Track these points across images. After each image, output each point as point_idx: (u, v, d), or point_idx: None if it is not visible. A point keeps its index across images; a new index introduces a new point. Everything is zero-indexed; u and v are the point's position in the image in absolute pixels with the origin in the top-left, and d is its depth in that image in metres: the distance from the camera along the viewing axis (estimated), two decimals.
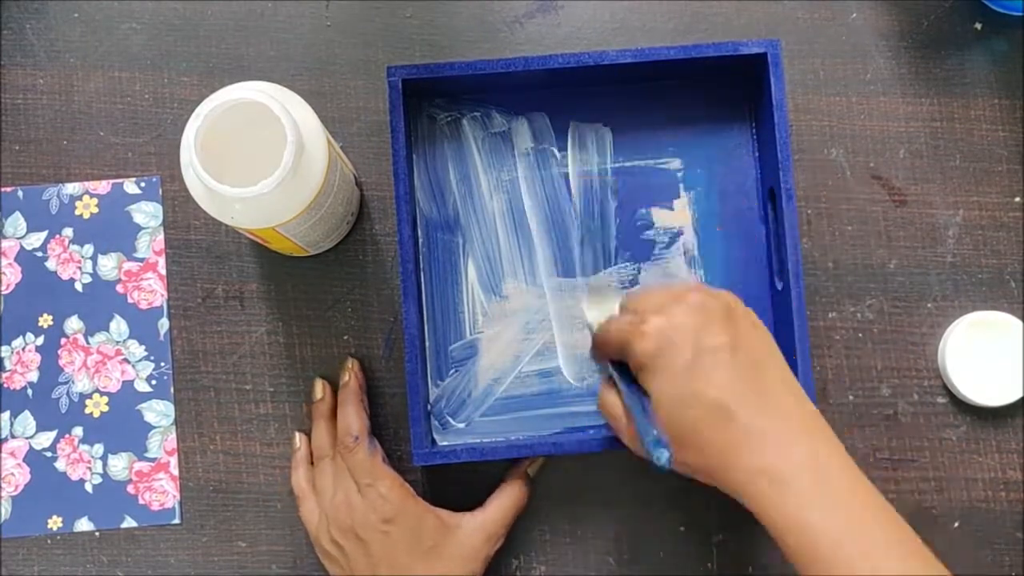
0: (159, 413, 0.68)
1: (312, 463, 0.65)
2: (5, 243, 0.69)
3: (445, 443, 0.66)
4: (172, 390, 0.68)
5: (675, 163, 0.68)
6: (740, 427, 0.50)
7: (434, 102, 0.68)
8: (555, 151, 0.68)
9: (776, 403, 0.51)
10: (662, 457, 0.48)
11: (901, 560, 0.48)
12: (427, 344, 0.66)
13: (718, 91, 0.68)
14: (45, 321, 0.68)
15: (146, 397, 0.68)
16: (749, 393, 0.50)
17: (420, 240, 0.67)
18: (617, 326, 0.55)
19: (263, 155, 0.54)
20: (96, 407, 0.68)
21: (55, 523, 0.67)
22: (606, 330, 0.56)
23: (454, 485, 0.66)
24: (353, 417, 0.63)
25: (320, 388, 0.66)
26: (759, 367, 0.52)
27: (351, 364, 0.66)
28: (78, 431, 0.68)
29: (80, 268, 0.69)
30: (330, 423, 0.65)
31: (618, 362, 0.57)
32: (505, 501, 0.64)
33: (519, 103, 0.68)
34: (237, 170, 0.54)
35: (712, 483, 0.52)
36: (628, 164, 0.68)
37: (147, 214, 0.69)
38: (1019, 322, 0.66)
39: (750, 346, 0.52)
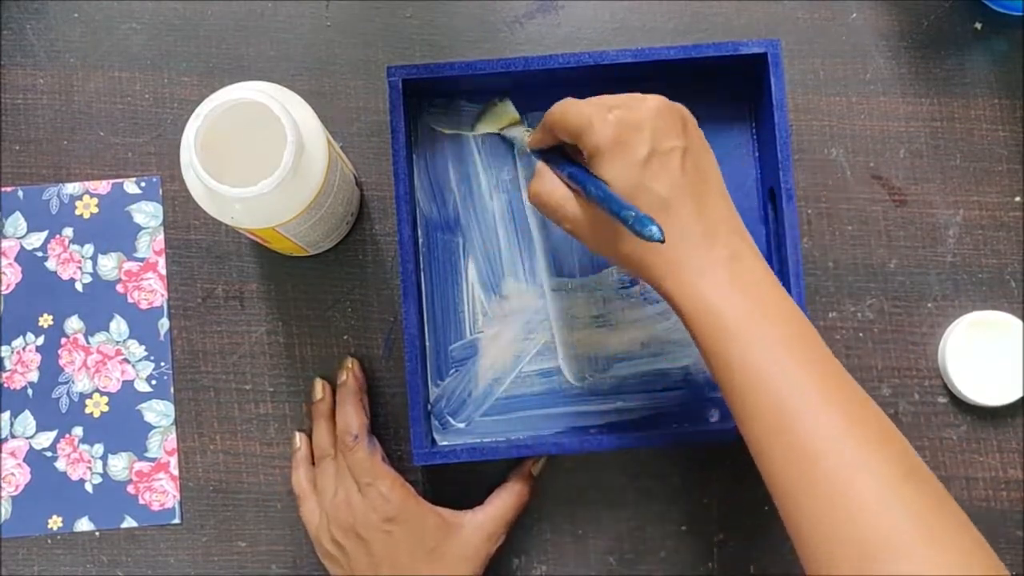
0: (159, 413, 0.68)
1: (313, 463, 0.65)
2: (5, 243, 0.69)
3: (445, 443, 0.66)
4: (172, 390, 0.68)
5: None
6: (675, 222, 0.52)
7: (434, 102, 0.68)
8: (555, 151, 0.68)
9: (711, 209, 0.54)
10: (655, 231, 0.49)
11: (794, 349, 0.51)
12: (427, 344, 0.66)
13: (718, 91, 0.68)
14: (45, 321, 0.68)
15: (146, 397, 0.68)
16: (689, 196, 0.53)
17: (420, 240, 0.67)
18: (577, 109, 0.55)
19: (263, 155, 0.54)
20: (96, 407, 0.68)
21: (55, 523, 0.67)
22: (564, 111, 0.56)
23: (454, 485, 0.66)
24: (352, 416, 0.63)
25: (320, 388, 0.66)
26: (703, 175, 0.54)
27: (350, 363, 0.66)
28: (78, 431, 0.68)
29: (80, 268, 0.69)
30: (330, 423, 0.65)
31: (553, 151, 0.58)
32: (507, 499, 0.64)
33: (519, 103, 0.68)
34: (237, 170, 0.54)
35: (635, 272, 0.55)
36: None
37: (147, 214, 0.69)
38: (1019, 322, 0.66)
39: (698, 155, 0.54)
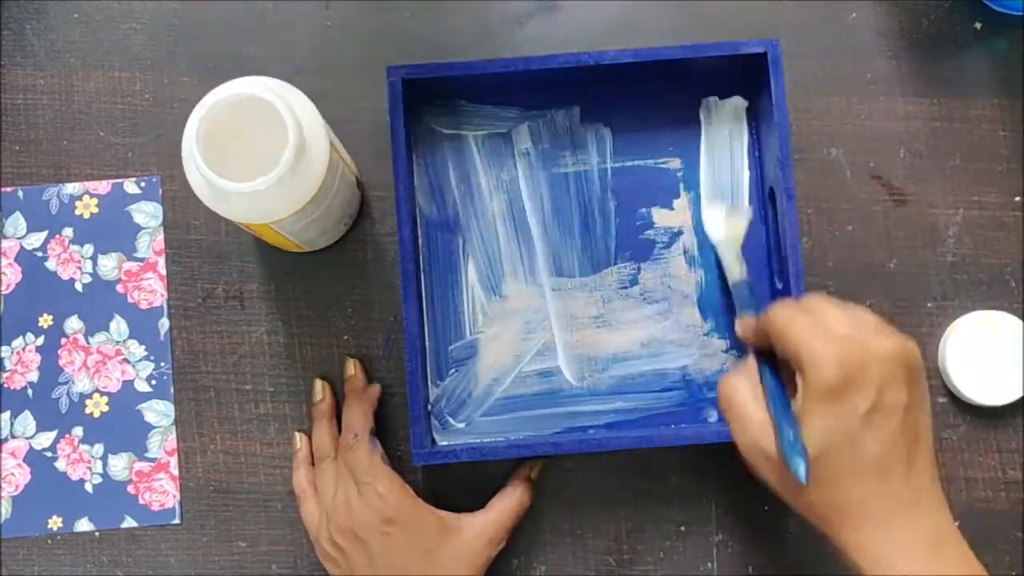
0: (159, 413, 0.68)
1: (313, 464, 0.66)
2: (5, 243, 0.69)
3: (445, 443, 0.66)
4: (172, 390, 0.68)
5: (675, 163, 0.68)
6: (883, 488, 0.48)
7: (434, 102, 0.68)
8: (555, 151, 0.68)
9: (919, 473, 0.50)
10: (800, 468, 0.47)
11: None
12: (427, 344, 0.66)
13: (718, 91, 0.68)
14: (45, 321, 0.68)
15: (146, 397, 0.68)
16: (903, 459, 0.49)
17: (420, 240, 0.67)
18: (799, 326, 0.50)
19: (265, 150, 0.54)
20: (96, 407, 0.68)
21: (55, 523, 0.67)
22: (787, 328, 0.50)
23: (454, 485, 0.66)
24: (357, 415, 0.64)
25: (320, 389, 0.66)
26: (918, 435, 0.50)
27: (353, 363, 0.66)
28: (78, 431, 0.68)
29: (80, 268, 0.69)
30: (331, 423, 0.65)
31: (761, 352, 0.53)
32: (508, 504, 0.64)
33: (519, 103, 0.68)
34: (238, 163, 0.55)
35: (815, 521, 0.50)
36: (628, 164, 0.68)
37: (147, 214, 0.69)
38: (1019, 322, 0.66)
39: (918, 413, 0.50)
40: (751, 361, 0.54)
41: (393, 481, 0.61)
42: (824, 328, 0.49)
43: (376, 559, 0.60)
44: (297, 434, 0.67)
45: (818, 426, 0.48)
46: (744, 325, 0.58)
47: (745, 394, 0.52)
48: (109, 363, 0.68)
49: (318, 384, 0.66)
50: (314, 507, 0.63)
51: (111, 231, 0.69)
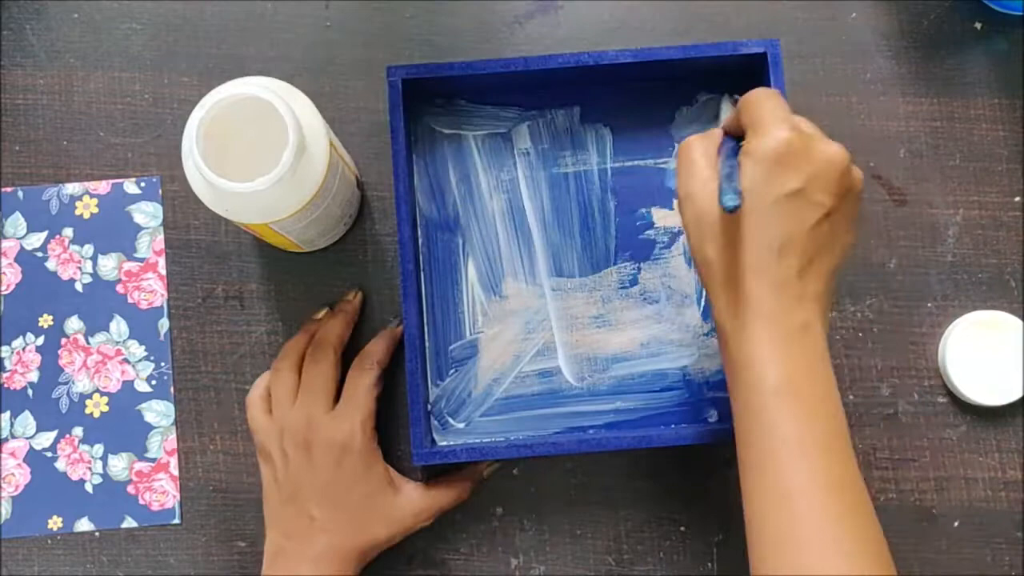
0: (159, 413, 0.68)
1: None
2: (5, 243, 0.69)
3: (445, 443, 0.66)
4: (172, 390, 0.68)
5: (675, 163, 0.68)
6: (777, 270, 0.51)
7: (434, 102, 0.68)
8: (555, 151, 0.68)
9: (815, 279, 0.52)
10: (733, 200, 0.49)
11: (816, 435, 0.50)
12: (427, 344, 0.66)
13: (718, 91, 0.68)
14: (45, 321, 0.68)
15: (146, 397, 0.68)
16: (804, 254, 0.51)
17: (420, 240, 0.67)
18: (769, 103, 0.53)
19: (265, 150, 0.54)
20: (96, 407, 0.68)
21: (55, 523, 0.67)
22: (759, 100, 0.53)
23: (454, 472, 0.66)
24: (381, 347, 0.65)
25: (323, 313, 0.67)
26: (830, 248, 0.52)
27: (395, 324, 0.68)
28: (78, 431, 0.68)
29: (80, 268, 0.69)
30: (309, 340, 0.66)
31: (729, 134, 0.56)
32: (449, 491, 0.64)
33: (519, 103, 0.68)
34: (238, 160, 0.55)
35: (702, 281, 0.53)
36: (628, 164, 0.68)
37: (147, 214, 0.69)
38: (1019, 322, 0.66)
39: (838, 227, 0.52)
40: (717, 131, 0.56)
41: (371, 420, 0.63)
42: (787, 114, 0.52)
43: (317, 476, 0.61)
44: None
45: (747, 178, 0.51)
46: (728, 117, 0.59)
47: (700, 151, 0.54)
48: (109, 363, 0.68)
49: (323, 311, 0.67)
50: (265, 413, 0.64)
51: (111, 231, 0.69)
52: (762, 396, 0.50)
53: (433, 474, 0.66)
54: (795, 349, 0.51)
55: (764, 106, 0.53)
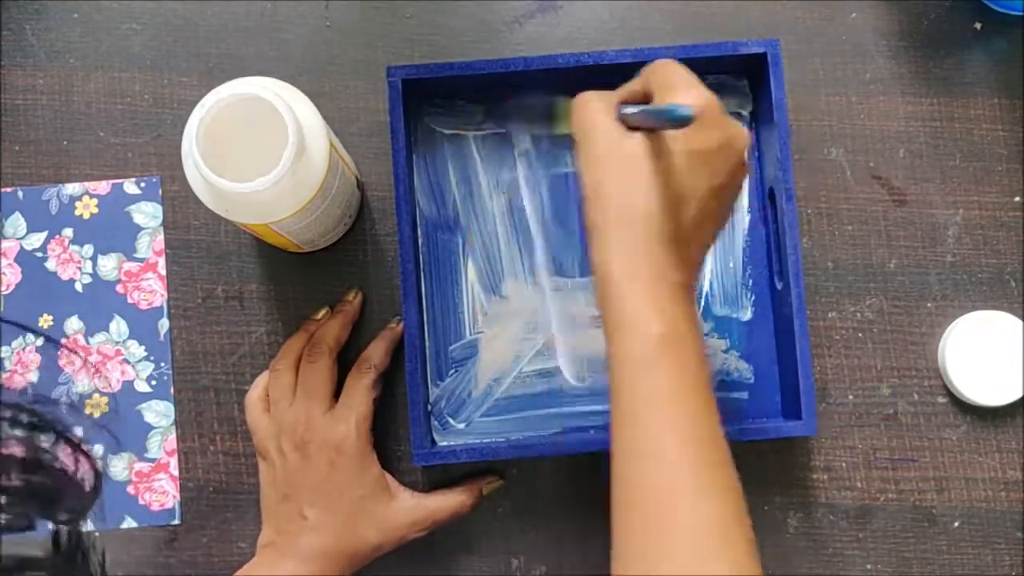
0: (159, 413, 0.68)
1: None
2: (5, 243, 0.69)
3: (445, 443, 0.66)
4: (172, 390, 0.68)
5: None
6: (669, 220, 0.50)
7: (434, 102, 0.68)
8: (555, 151, 0.68)
9: (700, 242, 0.52)
10: (687, 109, 0.48)
11: (676, 402, 0.50)
12: (427, 344, 0.66)
13: (718, 91, 0.67)
14: (45, 321, 0.68)
15: (146, 397, 0.68)
16: (701, 212, 0.51)
17: (420, 240, 0.67)
18: (682, 69, 0.52)
19: (265, 150, 0.54)
20: (96, 407, 0.68)
21: None
22: (674, 67, 0.52)
23: (454, 485, 0.66)
24: (380, 349, 0.65)
25: (323, 312, 0.67)
26: (712, 219, 0.52)
27: (398, 319, 0.67)
28: (78, 431, 0.68)
29: (80, 268, 0.69)
30: (308, 339, 0.65)
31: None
32: (449, 502, 0.64)
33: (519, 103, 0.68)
34: (238, 161, 0.55)
35: (592, 222, 0.52)
36: None
37: (147, 214, 0.69)
38: (1019, 322, 0.66)
39: (723, 204, 0.52)
40: (611, 94, 0.54)
41: (367, 422, 0.63)
42: (700, 82, 0.51)
43: (311, 476, 0.61)
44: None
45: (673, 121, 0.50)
46: (620, 90, 0.57)
47: (596, 97, 0.53)
48: (109, 363, 0.68)
49: (323, 310, 0.67)
50: (264, 414, 0.64)
51: (111, 231, 0.69)
52: (646, 345, 0.49)
53: (435, 483, 0.66)
54: (680, 307, 0.50)
55: (678, 71, 0.52)
